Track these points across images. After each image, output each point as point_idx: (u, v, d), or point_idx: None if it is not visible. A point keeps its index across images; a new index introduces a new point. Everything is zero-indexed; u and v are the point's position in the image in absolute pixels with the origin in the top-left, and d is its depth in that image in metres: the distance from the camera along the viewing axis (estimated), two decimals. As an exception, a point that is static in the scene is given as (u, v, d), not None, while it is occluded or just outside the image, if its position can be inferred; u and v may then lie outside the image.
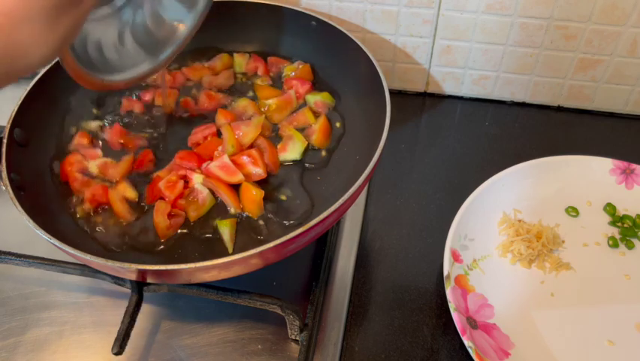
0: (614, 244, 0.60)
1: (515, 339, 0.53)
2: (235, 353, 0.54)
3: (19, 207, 0.52)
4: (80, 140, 0.64)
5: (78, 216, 0.59)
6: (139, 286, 0.54)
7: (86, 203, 0.59)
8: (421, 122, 0.76)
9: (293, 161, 0.62)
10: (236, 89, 0.70)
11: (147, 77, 0.56)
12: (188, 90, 0.70)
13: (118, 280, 0.55)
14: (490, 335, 0.53)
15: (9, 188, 0.54)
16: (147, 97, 0.69)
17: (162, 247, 0.56)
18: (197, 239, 0.57)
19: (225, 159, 0.60)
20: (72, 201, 0.60)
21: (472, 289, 0.56)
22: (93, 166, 0.62)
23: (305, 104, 0.67)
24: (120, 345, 0.50)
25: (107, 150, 0.64)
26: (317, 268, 0.58)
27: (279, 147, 0.63)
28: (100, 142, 0.65)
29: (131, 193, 0.59)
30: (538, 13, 0.67)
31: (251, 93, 0.69)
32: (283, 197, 0.59)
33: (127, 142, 0.65)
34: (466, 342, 0.51)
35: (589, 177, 0.64)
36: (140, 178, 0.62)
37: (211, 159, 0.61)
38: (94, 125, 0.66)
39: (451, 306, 0.53)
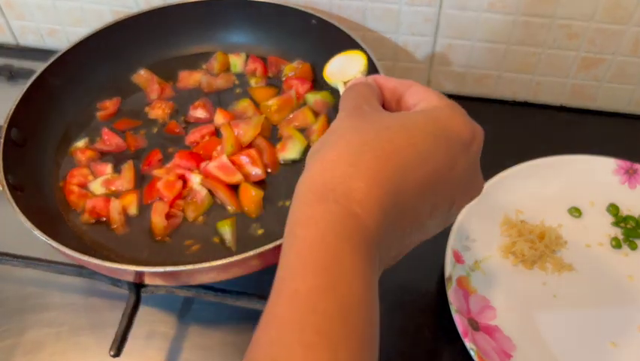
0: (617, 244, 0.59)
1: (517, 341, 0.53)
2: (234, 355, 0.54)
3: (16, 208, 0.51)
4: (80, 156, 0.63)
5: (77, 220, 0.59)
6: (136, 288, 0.53)
7: (86, 214, 0.58)
8: (422, 122, 0.75)
9: (293, 161, 0.62)
10: (234, 92, 0.70)
11: None
12: (183, 100, 0.69)
13: (115, 282, 0.54)
14: (492, 336, 0.52)
15: (6, 188, 0.53)
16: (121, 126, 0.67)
17: (160, 247, 0.56)
18: (196, 240, 0.56)
19: (224, 159, 0.59)
20: (71, 207, 0.60)
21: (473, 291, 0.55)
22: (97, 184, 0.61)
23: (305, 103, 0.67)
24: (118, 347, 0.50)
25: (108, 157, 0.64)
26: (317, 269, 0.58)
27: (278, 146, 0.62)
28: (99, 153, 0.64)
29: (133, 210, 0.59)
30: (540, 12, 0.66)
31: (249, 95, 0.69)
32: (283, 197, 0.59)
33: (128, 142, 0.64)
34: (468, 344, 0.50)
35: (592, 177, 0.63)
36: (149, 179, 0.61)
37: (210, 158, 0.61)
38: (81, 142, 0.65)
39: (453, 308, 0.52)
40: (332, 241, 0.29)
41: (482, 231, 0.60)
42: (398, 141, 0.32)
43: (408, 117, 0.35)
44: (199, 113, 0.66)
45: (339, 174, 0.31)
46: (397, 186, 0.31)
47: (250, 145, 0.62)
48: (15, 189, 0.54)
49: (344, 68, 0.45)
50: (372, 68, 0.60)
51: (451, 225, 0.58)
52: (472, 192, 0.37)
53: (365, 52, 0.61)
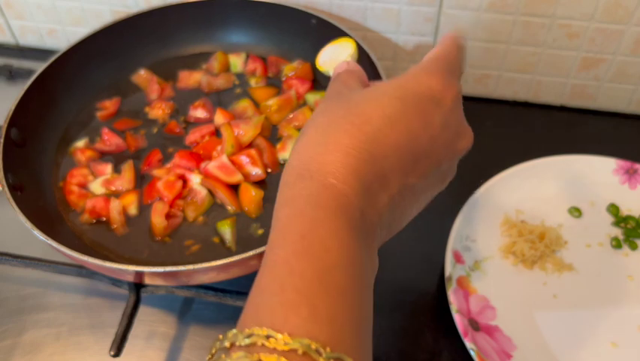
0: (617, 245, 0.59)
1: (517, 341, 0.52)
2: (234, 355, 0.54)
3: (16, 208, 0.51)
4: (80, 156, 0.63)
5: (76, 220, 0.59)
6: (136, 288, 0.53)
7: (85, 214, 0.58)
8: (422, 122, 0.75)
9: (293, 161, 0.62)
10: (234, 92, 0.70)
11: None
12: (183, 100, 0.69)
13: (115, 282, 0.54)
14: (492, 337, 0.52)
15: (6, 188, 0.53)
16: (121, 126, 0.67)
17: (160, 247, 0.56)
18: (196, 240, 0.56)
19: (224, 159, 0.59)
20: (70, 207, 0.60)
21: (474, 291, 0.55)
22: (97, 184, 0.61)
23: (305, 103, 0.67)
24: (118, 347, 0.50)
25: (108, 157, 0.64)
26: (317, 269, 0.58)
27: (278, 146, 0.62)
28: (99, 153, 0.64)
29: (133, 210, 0.59)
30: (540, 12, 0.66)
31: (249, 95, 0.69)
32: (283, 197, 0.59)
33: (128, 142, 0.64)
34: (468, 344, 0.50)
35: (592, 177, 0.63)
36: (149, 179, 0.61)
37: (210, 158, 0.61)
38: (81, 142, 0.65)
39: (453, 308, 0.52)
40: (309, 212, 0.30)
41: (482, 231, 0.60)
42: (367, 112, 0.34)
43: (376, 88, 0.36)
44: (199, 113, 0.66)
45: (311, 153, 0.33)
46: (371, 153, 0.32)
47: (250, 145, 0.62)
48: (15, 189, 0.54)
49: (335, 56, 0.46)
50: (361, 53, 0.60)
51: (452, 226, 0.58)
52: (459, 144, 0.37)
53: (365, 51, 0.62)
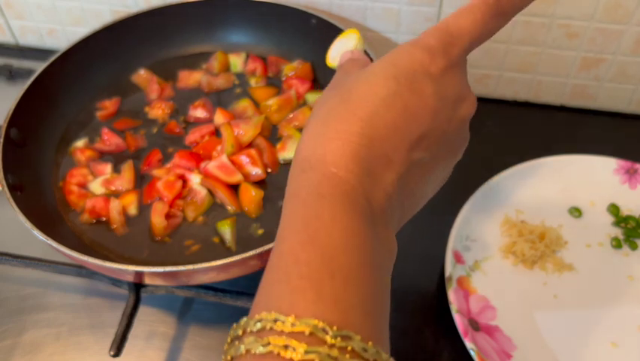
0: (617, 244, 0.59)
1: (518, 341, 0.52)
2: (234, 355, 0.54)
3: (16, 208, 0.51)
4: (79, 156, 0.64)
5: (76, 220, 0.59)
6: (136, 288, 0.53)
7: (85, 214, 0.58)
8: (422, 122, 0.75)
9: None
10: (234, 91, 0.70)
11: None
12: (183, 100, 0.69)
13: (115, 282, 0.54)
14: (492, 337, 0.52)
15: (5, 188, 0.53)
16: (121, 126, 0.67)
17: (159, 247, 0.56)
18: (196, 240, 0.56)
19: (224, 159, 0.59)
20: (70, 207, 0.60)
21: (474, 291, 0.55)
22: (97, 184, 0.61)
23: (305, 103, 0.67)
24: (117, 347, 0.50)
25: (108, 157, 0.64)
26: (317, 269, 0.58)
27: (278, 146, 0.62)
28: (99, 153, 0.64)
29: (133, 210, 0.59)
30: (540, 11, 0.66)
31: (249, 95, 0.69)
32: (283, 197, 0.59)
33: (128, 142, 0.64)
34: (468, 344, 0.50)
35: (592, 176, 0.63)
36: (149, 179, 0.61)
37: (210, 158, 0.61)
38: (81, 142, 0.65)
39: (453, 308, 0.52)
40: (312, 203, 0.31)
41: (482, 231, 0.60)
42: (360, 96, 0.34)
43: (368, 70, 0.36)
44: (199, 113, 0.66)
45: (312, 145, 0.33)
46: (369, 136, 0.32)
47: (250, 145, 0.62)
48: (15, 189, 0.54)
49: (343, 50, 0.46)
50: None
51: (452, 226, 0.58)
52: (460, 111, 0.37)
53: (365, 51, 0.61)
